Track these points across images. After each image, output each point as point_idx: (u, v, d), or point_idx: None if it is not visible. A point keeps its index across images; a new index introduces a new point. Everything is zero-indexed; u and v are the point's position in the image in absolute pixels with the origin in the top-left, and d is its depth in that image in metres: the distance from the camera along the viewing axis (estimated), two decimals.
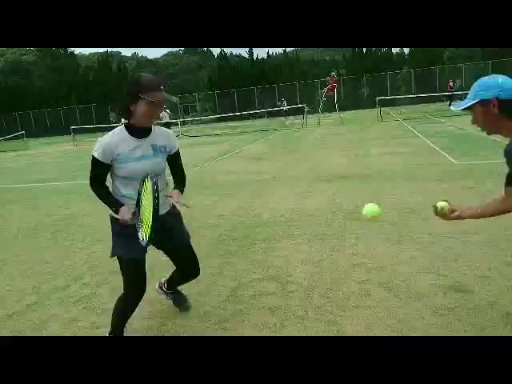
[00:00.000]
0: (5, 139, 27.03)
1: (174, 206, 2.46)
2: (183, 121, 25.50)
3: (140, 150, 2.26)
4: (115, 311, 2.51)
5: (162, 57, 78.69)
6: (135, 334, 2.69)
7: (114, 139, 2.22)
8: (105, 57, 52.02)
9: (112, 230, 2.43)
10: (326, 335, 2.45)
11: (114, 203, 2.30)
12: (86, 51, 79.62)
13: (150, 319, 2.87)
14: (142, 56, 79.20)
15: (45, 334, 2.80)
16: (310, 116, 22.82)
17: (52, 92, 48.91)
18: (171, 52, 79.73)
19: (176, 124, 26.08)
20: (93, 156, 2.23)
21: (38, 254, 4.53)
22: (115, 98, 44.47)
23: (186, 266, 2.69)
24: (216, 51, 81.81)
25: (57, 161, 15.64)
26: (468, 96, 1.79)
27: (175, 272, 2.81)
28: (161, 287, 2.98)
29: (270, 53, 57.33)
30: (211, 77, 48.42)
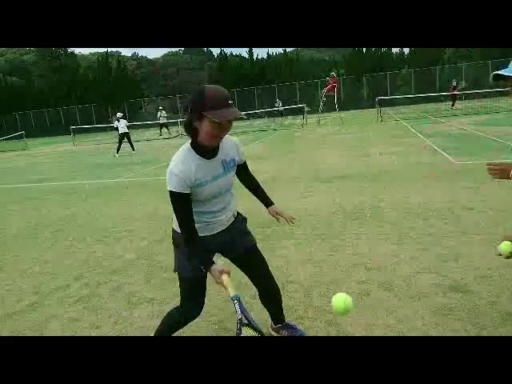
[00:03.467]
0: (5, 139, 27.03)
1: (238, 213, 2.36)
2: (183, 121, 25.42)
3: (213, 171, 2.02)
4: (160, 326, 2.38)
5: (162, 57, 78.65)
6: (135, 334, 2.69)
7: (186, 166, 1.94)
8: (105, 57, 51.99)
9: (176, 245, 2.21)
10: (326, 335, 2.45)
11: (208, 262, 1.97)
12: (86, 51, 79.68)
13: (150, 319, 2.87)
14: (141, 56, 79.18)
15: (45, 333, 2.80)
16: (309, 116, 22.82)
17: (52, 92, 48.91)
18: (171, 52, 79.73)
19: (176, 124, 26.07)
20: (171, 192, 1.93)
21: (38, 254, 4.53)
22: (115, 99, 44.54)
23: (257, 276, 2.40)
24: (216, 51, 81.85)
25: (56, 161, 15.64)
26: (510, 67, 1.76)
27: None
28: (275, 329, 2.62)
29: (270, 53, 57.32)
30: (211, 77, 48.43)
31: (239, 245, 2.29)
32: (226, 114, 1.80)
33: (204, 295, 2.27)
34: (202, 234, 2.09)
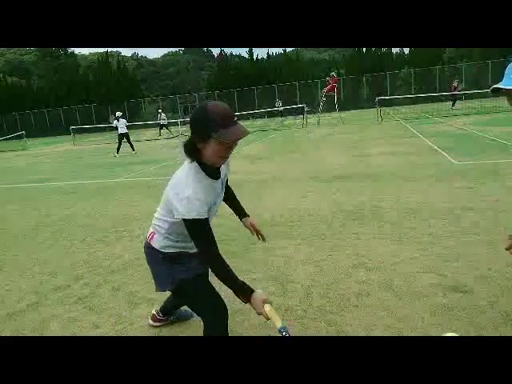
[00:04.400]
0: (5, 139, 27.04)
1: None
2: (183, 121, 25.51)
3: (216, 191, 1.93)
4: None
5: (162, 57, 78.66)
6: (135, 334, 2.69)
7: (202, 188, 1.80)
8: (105, 57, 52.01)
9: (164, 263, 2.06)
10: (326, 335, 2.45)
11: (246, 289, 1.81)
12: (86, 51, 79.69)
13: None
14: (142, 56, 79.20)
15: (45, 333, 2.80)
16: (309, 116, 22.82)
17: (52, 92, 48.94)
18: (171, 52, 79.76)
19: (176, 124, 26.08)
20: (195, 220, 1.74)
21: (38, 253, 4.53)
22: (115, 99, 44.54)
23: None
24: (216, 51, 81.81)
25: (56, 161, 15.64)
26: (505, 79, 1.76)
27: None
28: (156, 319, 2.75)
29: (270, 53, 57.33)
30: (211, 77, 48.46)
31: None
32: (236, 133, 1.70)
33: (214, 288, 2.12)
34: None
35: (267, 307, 1.74)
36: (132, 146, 15.60)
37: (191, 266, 2.05)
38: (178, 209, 1.75)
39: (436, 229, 4.06)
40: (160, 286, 2.12)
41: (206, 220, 1.79)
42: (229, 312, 2.81)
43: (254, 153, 11.90)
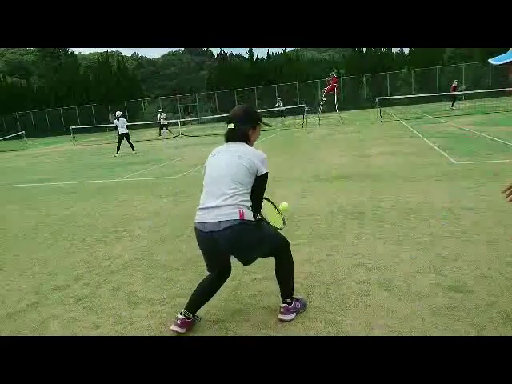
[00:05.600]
0: (5, 139, 27.04)
1: None
2: (183, 121, 25.51)
3: None
4: (290, 278, 2.68)
5: (162, 57, 78.66)
6: (135, 334, 2.69)
7: None
8: (105, 57, 52.01)
9: (259, 231, 2.53)
10: (326, 335, 2.45)
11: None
12: (86, 51, 79.70)
13: (150, 319, 2.87)
14: (142, 56, 79.18)
15: (45, 333, 2.80)
16: (309, 116, 22.82)
17: (52, 92, 48.93)
18: (171, 52, 79.71)
19: (176, 124, 26.09)
20: (267, 174, 2.48)
21: (38, 253, 4.53)
22: (115, 99, 44.54)
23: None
24: (216, 51, 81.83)
25: (57, 161, 15.65)
26: (506, 53, 1.77)
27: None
28: (184, 323, 2.58)
29: (270, 53, 57.29)
30: (211, 77, 48.46)
31: None
32: (267, 123, 2.76)
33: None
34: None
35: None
36: (132, 146, 15.58)
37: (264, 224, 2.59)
38: (262, 168, 2.44)
39: (436, 229, 4.06)
40: (253, 256, 2.61)
41: None
42: (229, 312, 2.83)
43: None
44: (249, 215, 2.42)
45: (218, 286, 2.68)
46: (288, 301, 2.65)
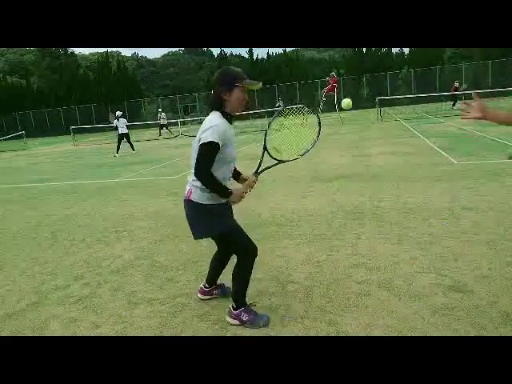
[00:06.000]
0: (5, 139, 27.04)
1: None
2: (183, 121, 25.50)
3: (233, 136, 2.45)
4: (239, 282, 2.63)
5: (161, 57, 78.65)
6: (135, 334, 2.69)
7: (223, 123, 2.34)
8: (105, 57, 52.00)
9: (204, 215, 2.50)
10: (326, 335, 2.45)
11: (226, 189, 2.43)
12: (86, 51, 79.71)
13: (149, 319, 2.87)
14: (142, 56, 79.17)
15: (45, 333, 2.80)
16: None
17: (52, 92, 48.92)
18: (171, 52, 79.71)
19: (176, 124, 26.09)
20: (211, 142, 2.27)
21: (38, 253, 4.53)
22: (115, 99, 44.55)
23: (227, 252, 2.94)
24: (216, 51, 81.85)
25: (56, 161, 15.64)
26: None
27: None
28: (204, 292, 3.07)
29: (270, 53, 57.29)
30: (211, 77, 48.44)
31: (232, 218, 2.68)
32: (254, 82, 2.38)
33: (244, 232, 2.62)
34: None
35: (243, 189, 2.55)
36: (132, 146, 15.59)
37: (226, 218, 2.55)
38: (204, 136, 2.28)
39: (436, 229, 4.06)
40: (198, 234, 2.57)
41: (217, 146, 2.28)
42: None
43: (254, 153, 11.90)
44: (197, 196, 2.44)
45: (220, 261, 2.94)
46: (233, 305, 2.69)
